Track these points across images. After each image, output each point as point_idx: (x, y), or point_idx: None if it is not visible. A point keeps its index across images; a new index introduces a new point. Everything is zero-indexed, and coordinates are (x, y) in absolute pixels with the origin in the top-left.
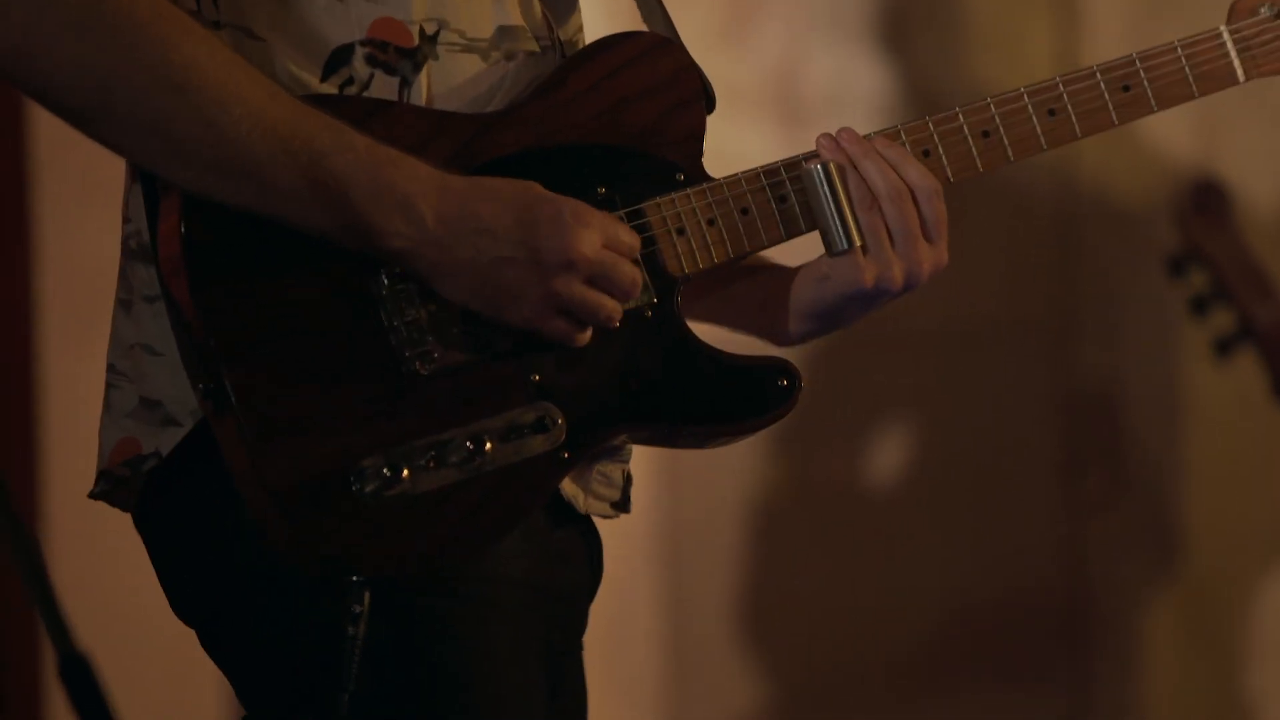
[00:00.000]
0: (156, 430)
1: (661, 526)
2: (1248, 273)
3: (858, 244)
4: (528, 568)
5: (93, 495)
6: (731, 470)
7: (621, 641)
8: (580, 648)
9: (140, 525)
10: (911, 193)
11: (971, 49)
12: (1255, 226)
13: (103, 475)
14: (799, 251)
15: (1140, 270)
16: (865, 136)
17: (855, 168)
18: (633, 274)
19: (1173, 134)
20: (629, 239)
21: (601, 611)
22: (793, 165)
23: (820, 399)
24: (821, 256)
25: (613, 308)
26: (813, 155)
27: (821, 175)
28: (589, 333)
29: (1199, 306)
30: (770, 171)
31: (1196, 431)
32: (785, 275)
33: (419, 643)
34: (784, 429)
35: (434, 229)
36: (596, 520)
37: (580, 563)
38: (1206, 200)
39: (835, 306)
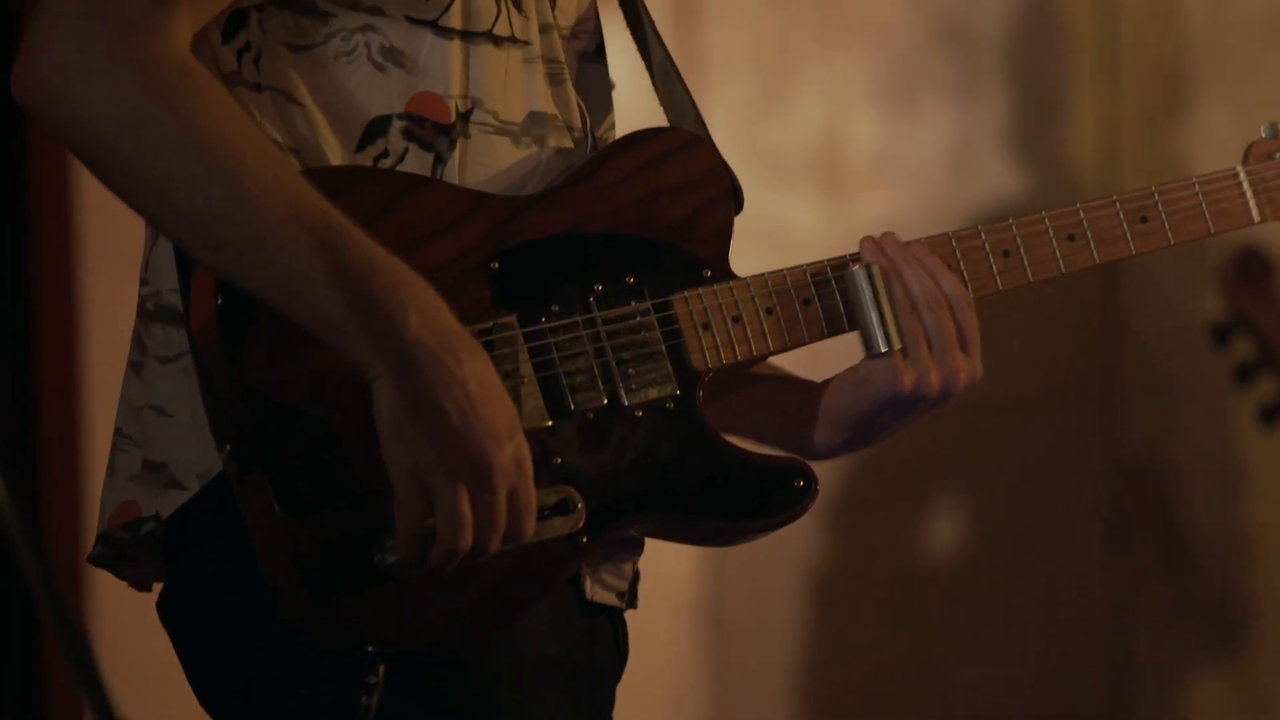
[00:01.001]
0: (158, 493)
1: (707, 593)
2: None
3: (897, 346)
4: (559, 646)
5: (91, 559)
6: (778, 537)
7: (667, 713)
8: None
9: (163, 614)
10: (948, 302)
11: (1014, 116)
12: None
13: (101, 538)
14: (806, 362)
15: (1185, 338)
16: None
17: (897, 273)
18: (492, 535)
19: None
20: (526, 523)
21: (649, 680)
22: (819, 271)
23: (868, 465)
24: (860, 362)
25: (461, 525)
26: (856, 256)
27: (866, 277)
28: (422, 546)
29: (1244, 374)
30: (795, 274)
31: (1245, 500)
32: (812, 387)
33: None
34: (834, 497)
35: (413, 335)
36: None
37: (607, 644)
38: (1250, 268)
39: (871, 414)
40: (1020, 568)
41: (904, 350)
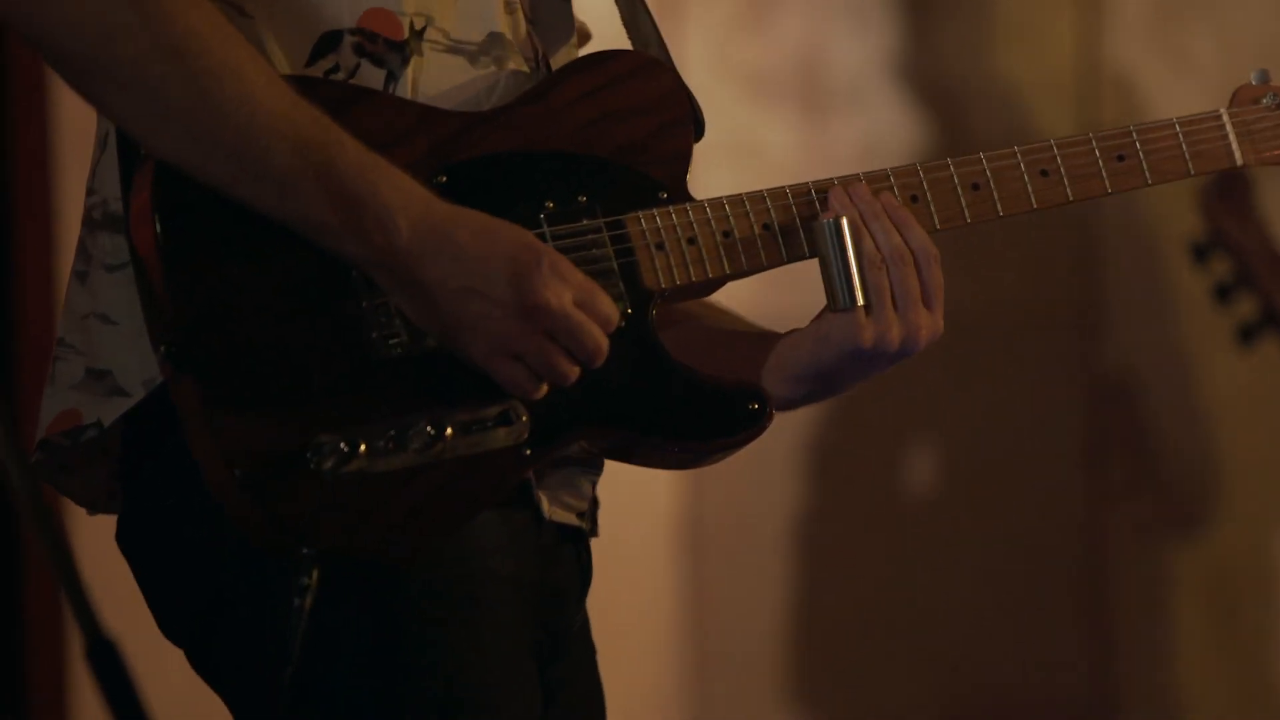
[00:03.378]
0: (101, 400)
1: (685, 529)
2: (1271, 260)
3: (860, 302)
4: (514, 566)
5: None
6: (756, 461)
7: (642, 646)
8: (593, 651)
9: (121, 544)
10: (913, 257)
11: (994, 39)
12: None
13: (40, 445)
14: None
15: (1163, 257)
16: (854, 177)
17: (865, 225)
18: (598, 341)
19: None
20: (607, 308)
21: (623, 614)
22: (779, 197)
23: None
24: (821, 316)
25: (568, 368)
26: (822, 194)
27: (834, 230)
28: (542, 387)
29: (1222, 294)
30: (754, 197)
31: (1222, 419)
32: (770, 339)
33: (404, 643)
34: (809, 425)
35: (406, 242)
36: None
37: (568, 564)
38: (1230, 187)
39: (830, 367)
40: (1000, 487)
41: (867, 306)
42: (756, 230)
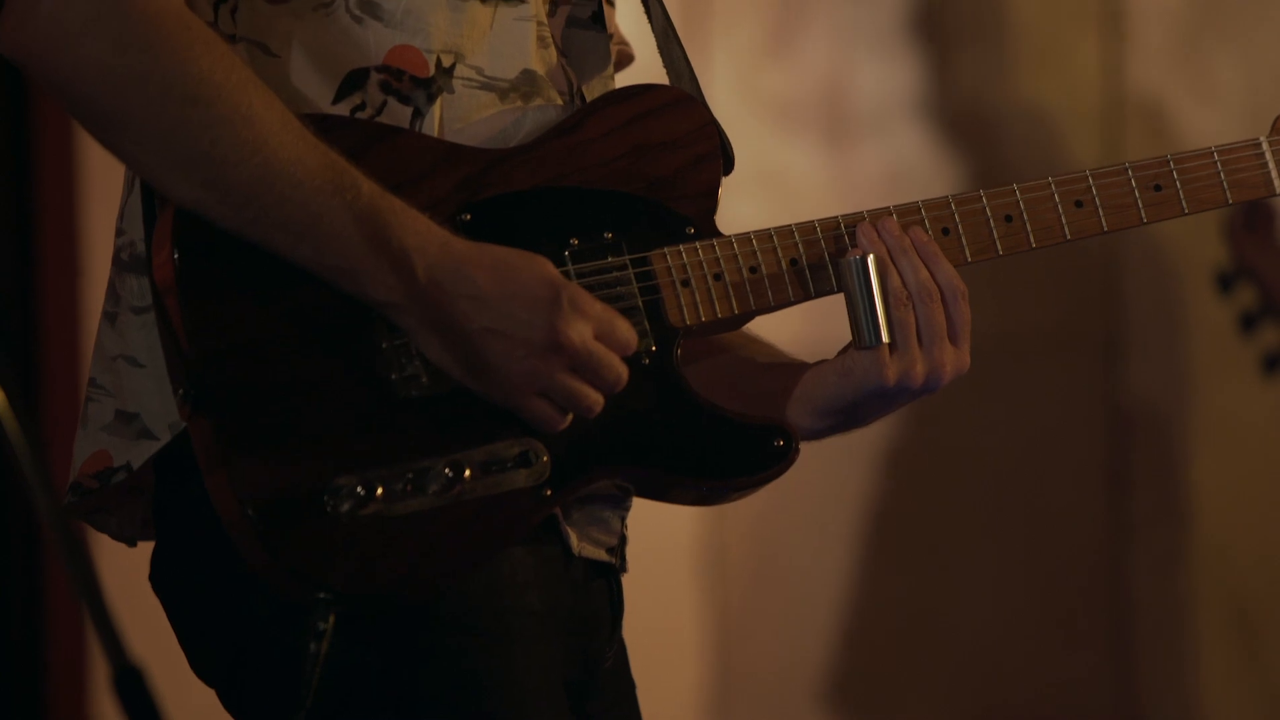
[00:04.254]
0: (130, 443)
1: (708, 542)
2: None
3: (885, 340)
4: (545, 599)
5: (64, 508)
6: (775, 494)
7: (667, 677)
8: (632, 686)
9: (154, 584)
10: (940, 293)
11: (1018, 67)
12: None
13: (72, 487)
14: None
15: (1189, 285)
16: (885, 210)
17: (892, 261)
18: (620, 370)
19: None
20: (625, 335)
21: (648, 645)
22: (808, 232)
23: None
24: (846, 351)
25: (594, 399)
26: (850, 227)
27: (859, 268)
28: (568, 419)
29: (1247, 323)
30: (783, 233)
31: (1244, 448)
32: (798, 371)
33: (440, 686)
34: (836, 448)
35: (424, 286)
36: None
37: (600, 599)
38: (1256, 216)
39: (853, 403)
40: (1023, 512)
41: (892, 344)
42: (783, 266)
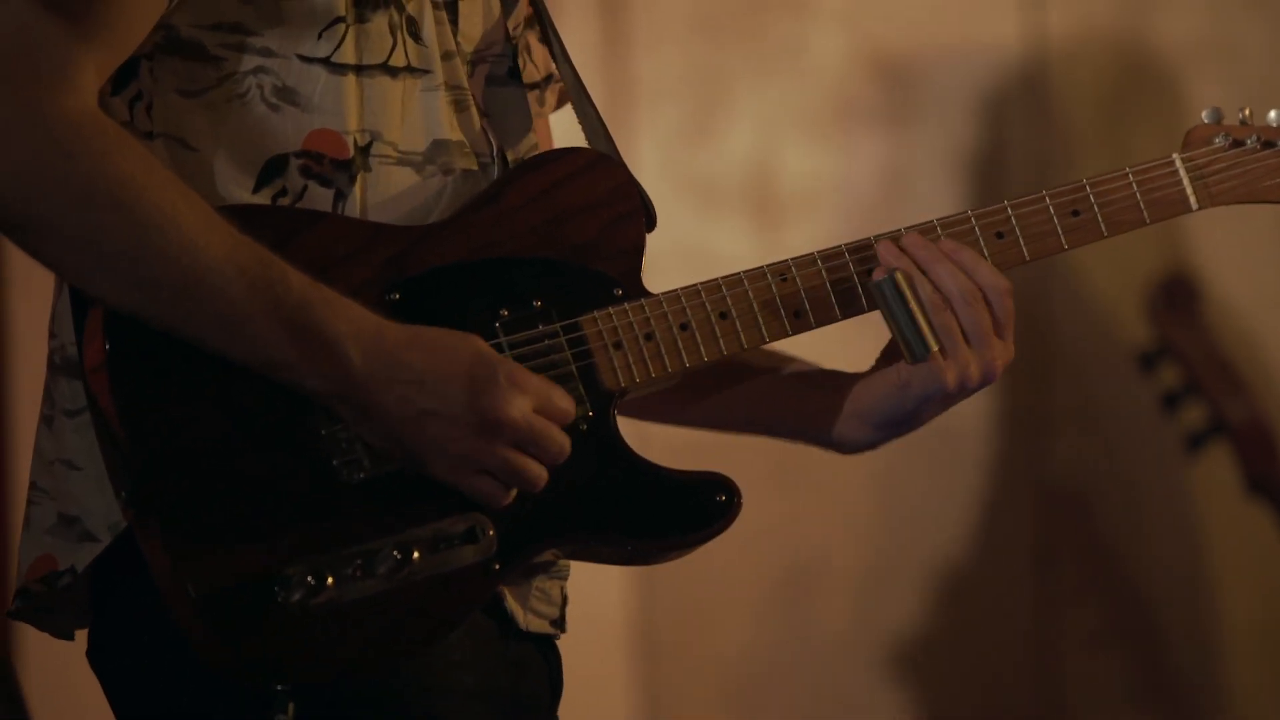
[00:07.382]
0: (73, 546)
1: (638, 616)
2: (1218, 368)
3: (934, 349)
4: (480, 680)
5: (10, 614)
6: (703, 558)
7: None
8: None
9: (92, 662)
10: (983, 293)
11: (947, 138)
12: (1226, 322)
13: (20, 593)
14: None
15: (1113, 365)
16: (888, 236)
17: (924, 272)
18: (561, 441)
19: (1145, 230)
20: (563, 405)
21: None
22: (733, 281)
23: (794, 484)
24: (896, 365)
25: (538, 473)
26: (761, 272)
27: (890, 286)
28: (512, 494)
29: (1171, 402)
30: (710, 287)
31: (1172, 527)
32: (843, 385)
33: None
34: (762, 519)
35: (360, 374)
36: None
37: (538, 673)
38: (1177, 296)
39: (913, 412)
40: (950, 591)
41: (942, 350)
42: (714, 320)
